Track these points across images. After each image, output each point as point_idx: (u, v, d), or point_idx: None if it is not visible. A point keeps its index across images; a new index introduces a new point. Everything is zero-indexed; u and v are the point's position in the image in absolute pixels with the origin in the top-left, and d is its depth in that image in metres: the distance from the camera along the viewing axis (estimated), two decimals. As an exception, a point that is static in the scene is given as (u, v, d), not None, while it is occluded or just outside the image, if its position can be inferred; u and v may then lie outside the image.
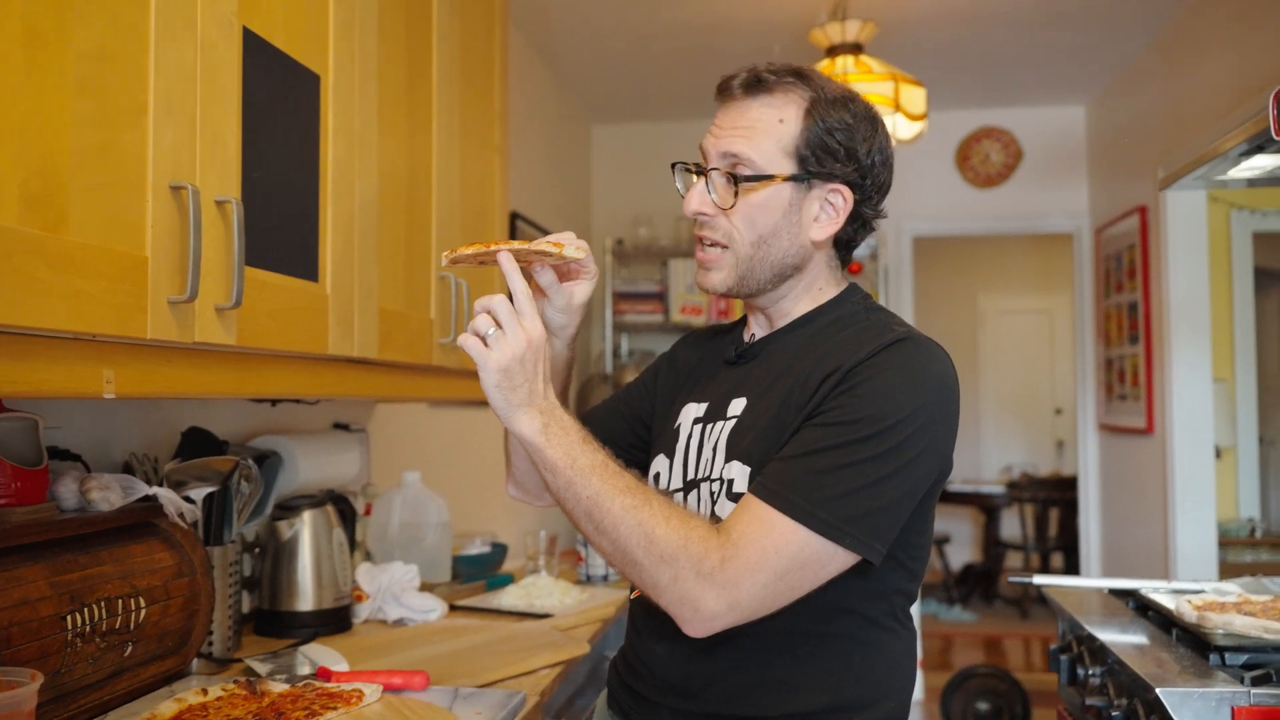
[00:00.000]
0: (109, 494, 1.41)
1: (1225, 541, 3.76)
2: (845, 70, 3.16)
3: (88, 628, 1.26)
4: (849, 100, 1.20)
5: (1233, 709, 1.50)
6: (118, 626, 1.31)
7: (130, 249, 1.01)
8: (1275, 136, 1.88)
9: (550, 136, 4.18)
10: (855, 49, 3.25)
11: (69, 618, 1.23)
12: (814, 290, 1.26)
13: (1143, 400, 3.86)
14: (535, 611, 2.12)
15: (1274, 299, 5.41)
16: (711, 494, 1.19)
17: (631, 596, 1.32)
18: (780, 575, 1.04)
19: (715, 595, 1.03)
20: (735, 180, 1.18)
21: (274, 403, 2.06)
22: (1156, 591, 2.06)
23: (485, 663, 1.67)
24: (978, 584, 6.97)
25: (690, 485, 1.23)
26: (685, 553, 1.03)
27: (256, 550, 1.92)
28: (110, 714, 1.32)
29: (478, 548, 2.58)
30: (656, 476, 1.28)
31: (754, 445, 1.16)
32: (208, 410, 1.88)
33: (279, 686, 1.40)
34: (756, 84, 1.19)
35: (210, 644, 1.64)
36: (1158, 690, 1.52)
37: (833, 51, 3.26)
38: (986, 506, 6.94)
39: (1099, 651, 1.86)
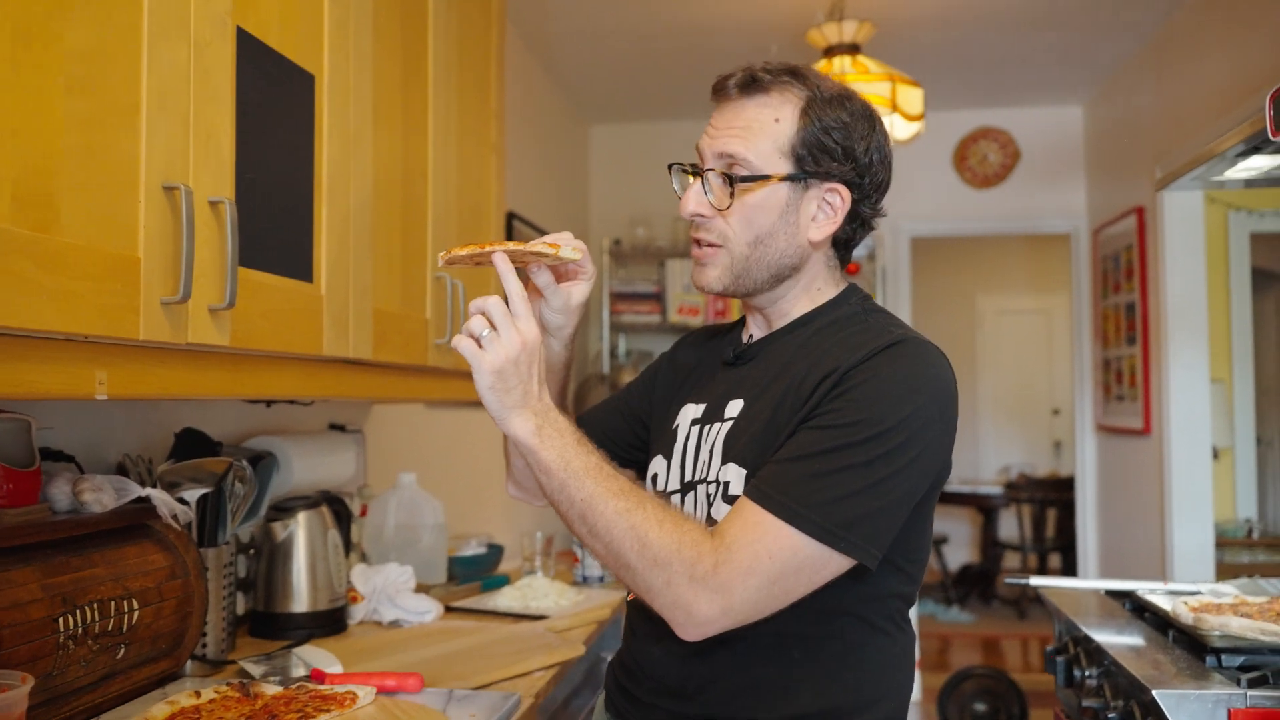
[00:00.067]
0: (102, 495, 1.40)
1: (1222, 542, 3.76)
2: (842, 71, 3.15)
3: (80, 630, 1.25)
4: (846, 98, 1.19)
5: (1229, 711, 1.50)
6: (110, 629, 1.30)
7: (123, 249, 1.01)
8: (1272, 137, 1.88)
9: (547, 136, 4.17)
10: (852, 49, 3.24)
11: (61, 620, 1.22)
12: (812, 291, 1.25)
13: (1140, 401, 3.86)
14: (531, 613, 2.12)
15: (1271, 300, 5.41)
16: (708, 496, 1.18)
17: (628, 599, 1.32)
18: (774, 580, 1.03)
19: (709, 600, 1.02)
20: (731, 181, 1.17)
21: (269, 404, 2.06)
22: (1153, 593, 2.06)
23: (480, 665, 1.67)
24: (975, 584, 6.97)
25: (687, 487, 1.22)
26: (679, 557, 1.02)
27: (251, 551, 1.92)
28: (103, 717, 1.31)
29: (473, 549, 2.58)
30: (654, 478, 1.28)
31: (749, 447, 1.15)
32: (202, 411, 1.88)
33: (272, 689, 1.40)
34: (752, 84, 1.18)
35: (204, 646, 1.64)
36: (1154, 692, 1.52)
37: (830, 52, 3.26)
38: (984, 507, 6.95)
39: (1095, 653, 1.85)
